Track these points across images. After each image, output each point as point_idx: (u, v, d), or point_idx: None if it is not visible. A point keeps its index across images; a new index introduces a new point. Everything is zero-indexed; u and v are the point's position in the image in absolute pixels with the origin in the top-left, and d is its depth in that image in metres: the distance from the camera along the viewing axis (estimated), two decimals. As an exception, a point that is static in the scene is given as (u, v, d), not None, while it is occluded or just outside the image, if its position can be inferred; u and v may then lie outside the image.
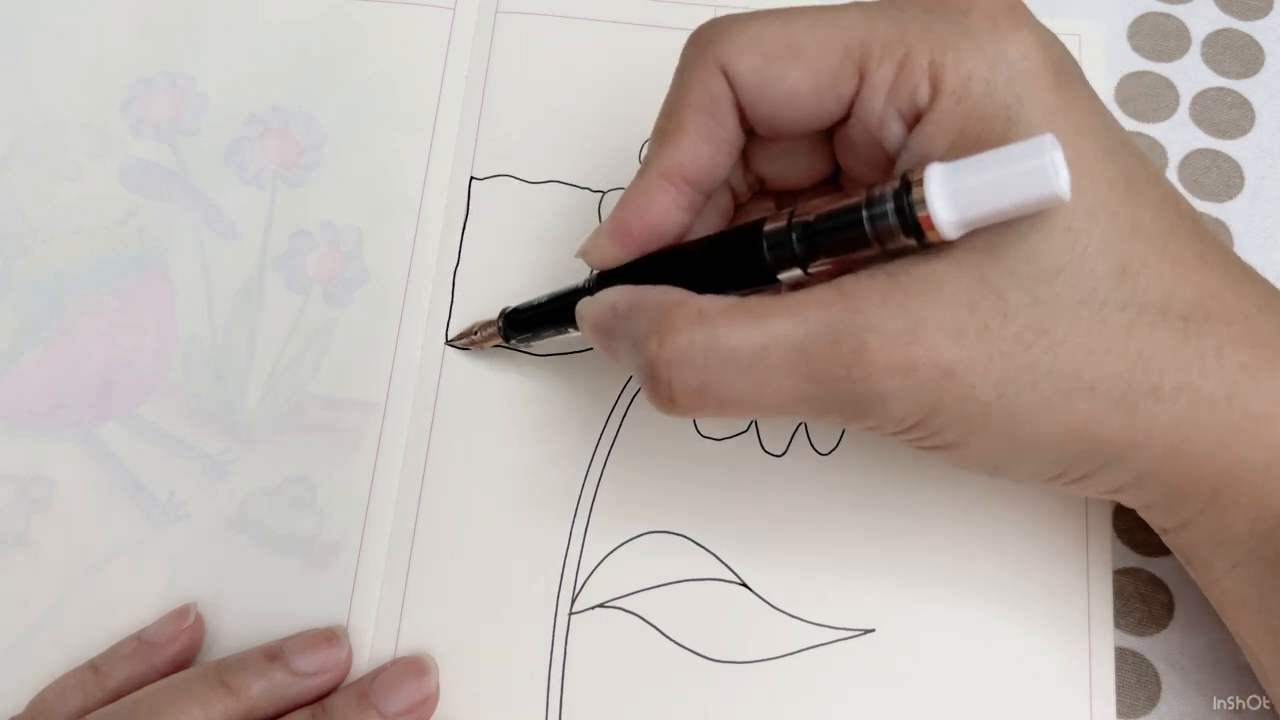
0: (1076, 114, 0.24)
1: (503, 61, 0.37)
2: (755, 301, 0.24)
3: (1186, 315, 0.24)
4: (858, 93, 0.25)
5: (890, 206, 0.23)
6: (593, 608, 0.32)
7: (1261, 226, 0.37)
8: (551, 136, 0.37)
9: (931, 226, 0.22)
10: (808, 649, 0.32)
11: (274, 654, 0.30)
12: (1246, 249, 0.36)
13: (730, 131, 0.27)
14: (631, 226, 0.27)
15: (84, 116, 0.37)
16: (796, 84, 0.25)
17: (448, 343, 0.34)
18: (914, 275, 0.23)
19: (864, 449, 0.34)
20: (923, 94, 0.24)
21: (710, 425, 0.34)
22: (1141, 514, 0.28)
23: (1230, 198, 0.37)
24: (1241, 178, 0.38)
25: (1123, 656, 0.32)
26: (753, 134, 0.27)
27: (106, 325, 0.35)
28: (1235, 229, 0.37)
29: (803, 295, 0.24)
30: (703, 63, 0.26)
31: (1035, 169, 0.21)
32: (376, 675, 0.30)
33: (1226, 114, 0.38)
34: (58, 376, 0.34)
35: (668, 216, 0.27)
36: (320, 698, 0.30)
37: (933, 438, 0.25)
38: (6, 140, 0.37)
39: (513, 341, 0.33)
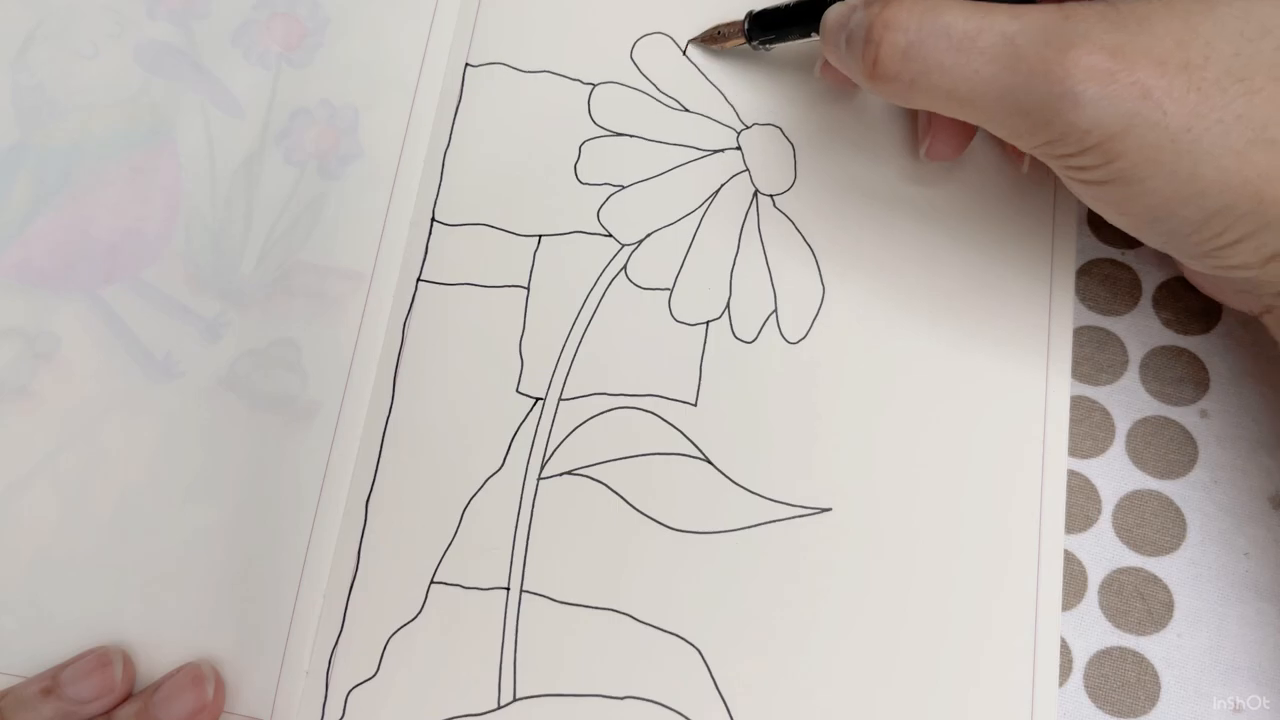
0: None
1: (505, -43, 0.38)
2: (983, 4, 0.26)
3: None
4: None
5: None
6: (561, 474, 0.33)
7: None
8: (547, 27, 0.38)
9: None
10: (766, 523, 0.33)
11: (49, 687, 0.31)
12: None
13: None
14: None
15: (103, -2, 0.39)
16: None
17: (691, 41, 0.37)
18: (1132, 7, 0.25)
19: (832, 338, 0.35)
20: None
21: (685, 309, 0.35)
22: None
23: None
24: None
25: (1123, 656, 0.32)
26: None
27: (116, 195, 0.37)
28: None
29: (1025, 5, 0.26)
30: None
31: None
32: (158, 687, 0.31)
33: None
34: (68, 240, 0.36)
35: None
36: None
37: (1111, 165, 0.26)
38: (30, 20, 0.38)
39: (755, 43, 0.35)
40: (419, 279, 0.35)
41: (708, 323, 0.35)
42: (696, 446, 0.34)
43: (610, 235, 0.36)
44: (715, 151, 0.36)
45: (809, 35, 0.33)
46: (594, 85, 0.37)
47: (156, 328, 0.35)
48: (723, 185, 0.36)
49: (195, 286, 0.36)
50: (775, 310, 0.35)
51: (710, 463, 0.34)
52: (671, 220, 0.36)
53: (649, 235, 0.36)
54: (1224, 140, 0.25)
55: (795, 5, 0.34)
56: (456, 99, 0.37)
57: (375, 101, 0.37)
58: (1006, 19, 0.26)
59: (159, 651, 0.32)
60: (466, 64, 0.37)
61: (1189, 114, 0.25)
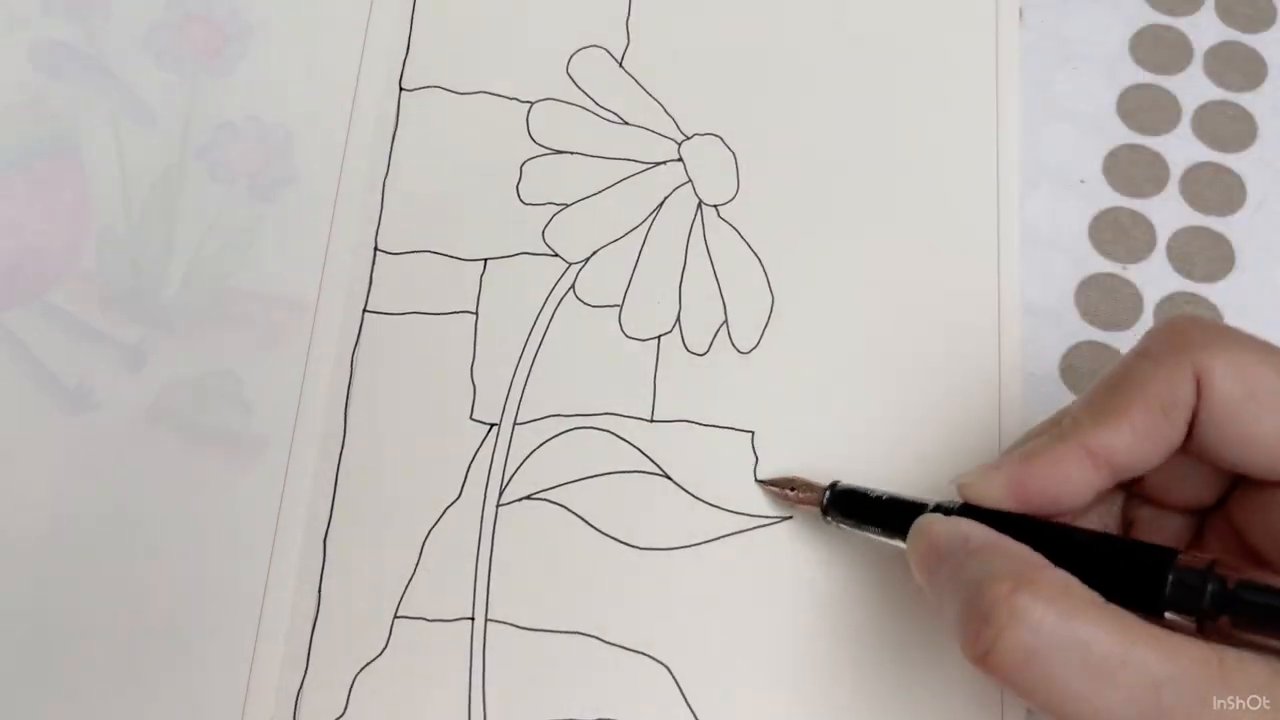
0: None
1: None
2: (1127, 615, 0.22)
3: None
4: None
5: None
6: (520, 499, 0.33)
7: (1263, 241, 0.37)
8: (480, 47, 0.37)
9: None
10: (728, 535, 0.33)
11: None
12: (1248, 264, 0.36)
13: (1176, 436, 0.25)
14: (1031, 488, 0.26)
15: (-13, -8, 0.35)
16: (1269, 433, 0.24)
17: (758, 481, 0.33)
18: None
19: (784, 346, 0.35)
20: None
21: (635, 325, 0.35)
22: None
23: (1232, 212, 0.37)
24: (1244, 191, 0.37)
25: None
26: None
27: (12, 210, 0.34)
28: (1236, 243, 0.36)
29: (1181, 641, 0.22)
30: (1177, 361, 0.24)
31: None
32: None
33: (1229, 127, 0.38)
34: (-39, 262, 0.33)
35: (1075, 494, 0.25)
36: None
37: None
38: (-100, 14, 0.35)
39: (828, 518, 0.31)
40: (365, 309, 0.34)
41: (659, 337, 0.35)
42: (654, 463, 0.34)
43: (557, 255, 0.35)
44: (658, 164, 0.37)
45: (891, 537, 0.29)
46: (531, 103, 0.36)
47: (67, 354, 0.33)
48: (666, 198, 0.36)
49: (111, 310, 0.33)
50: (726, 321, 0.35)
51: (669, 478, 0.34)
52: (617, 236, 0.36)
53: (595, 252, 0.35)
54: None
55: (887, 503, 0.29)
56: (393, 124, 0.36)
57: (309, 123, 0.35)
58: (1155, 659, 0.21)
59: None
60: (401, 88, 0.36)
61: None
